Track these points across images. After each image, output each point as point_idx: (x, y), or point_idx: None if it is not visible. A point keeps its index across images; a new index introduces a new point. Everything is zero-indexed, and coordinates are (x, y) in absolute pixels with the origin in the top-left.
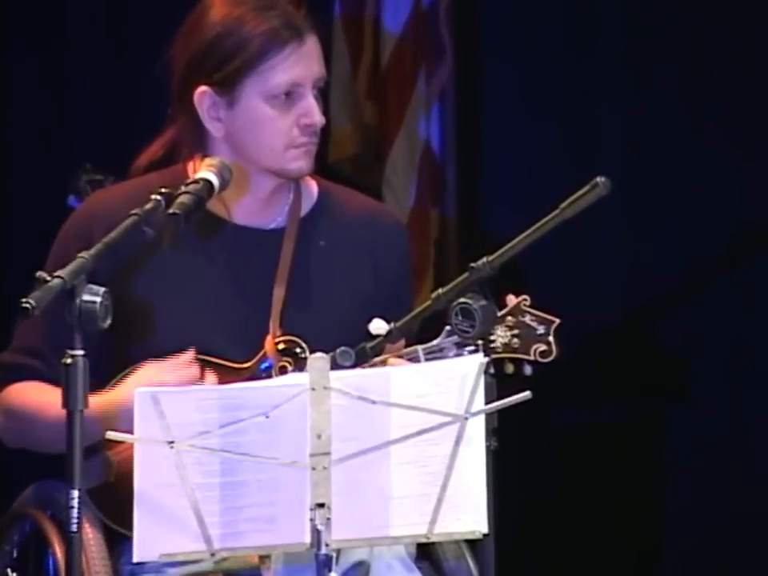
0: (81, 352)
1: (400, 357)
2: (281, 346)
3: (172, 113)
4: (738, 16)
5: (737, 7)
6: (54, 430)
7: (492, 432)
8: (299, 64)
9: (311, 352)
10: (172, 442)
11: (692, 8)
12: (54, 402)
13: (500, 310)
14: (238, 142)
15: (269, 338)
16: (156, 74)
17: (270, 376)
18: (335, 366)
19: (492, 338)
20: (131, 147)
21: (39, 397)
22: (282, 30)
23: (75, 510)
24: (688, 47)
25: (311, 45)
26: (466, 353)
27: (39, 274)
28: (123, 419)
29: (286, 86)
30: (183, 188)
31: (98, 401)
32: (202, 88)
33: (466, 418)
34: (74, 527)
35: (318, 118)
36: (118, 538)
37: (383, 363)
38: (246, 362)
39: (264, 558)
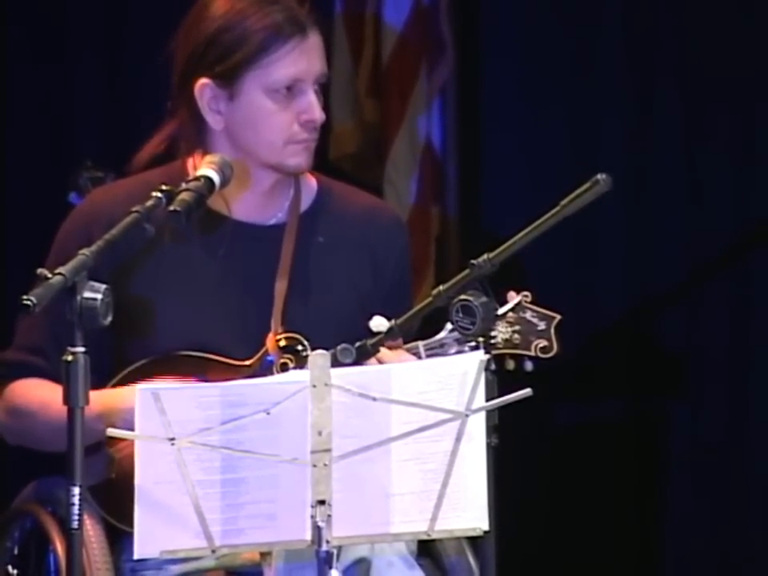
0: (82, 349)
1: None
2: (282, 343)
3: (172, 106)
4: (738, 16)
5: (736, 7)
6: (56, 428)
7: (493, 429)
8: (301, 59)
9: (312, 349)
10: (173, 439)
11: (692, 7)
12: (56, 400)
13: (501, 306)
14: (237, 136)
15: (270, 334)
16: (156, 68)
17: (271, 373)
18: (336, 363)
19: (493, 333)
20: (132, 144)
21: (41, 395)
22: (285, 24)
23: (76, 507)
24: (688, 44)
25: (314, 40)
26: (467, 348)
27: (40, 271)
28: (123, 420)
29: (287, 81)
30: (184, 185)
31: (99, 398)
32: (203, 80)
33: (467, 415)
34: (75, 524)
35: (319, 115)
36: (119, 535)
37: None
38: (248, 359)
39: (265, 555)
